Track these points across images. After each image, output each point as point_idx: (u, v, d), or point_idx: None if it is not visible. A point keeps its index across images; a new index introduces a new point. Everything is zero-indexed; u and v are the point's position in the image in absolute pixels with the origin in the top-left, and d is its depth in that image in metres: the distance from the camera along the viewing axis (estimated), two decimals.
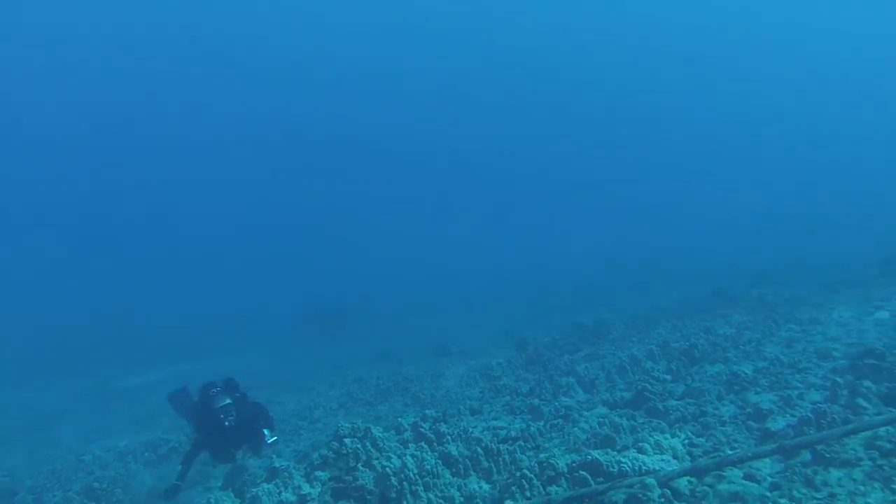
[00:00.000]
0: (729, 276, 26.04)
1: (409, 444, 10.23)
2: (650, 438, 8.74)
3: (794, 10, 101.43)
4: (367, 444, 9.94)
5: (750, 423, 9.73)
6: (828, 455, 7.48)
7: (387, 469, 8.99)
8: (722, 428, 9.66)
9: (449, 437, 10.13)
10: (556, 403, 12.80)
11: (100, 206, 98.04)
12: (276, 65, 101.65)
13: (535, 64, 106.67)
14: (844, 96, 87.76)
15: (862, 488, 6.71)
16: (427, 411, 13.26)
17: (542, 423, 11.61)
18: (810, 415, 8.95)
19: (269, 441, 11.41)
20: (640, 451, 8.34)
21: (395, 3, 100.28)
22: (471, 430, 10.85)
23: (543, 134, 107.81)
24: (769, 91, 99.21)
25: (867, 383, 9.81)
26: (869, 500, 6.33)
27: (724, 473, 7.63)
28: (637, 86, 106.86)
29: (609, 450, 9.00)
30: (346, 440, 10.03)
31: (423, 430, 10.50)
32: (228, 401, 11.05)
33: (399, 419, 12.45)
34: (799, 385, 11.07)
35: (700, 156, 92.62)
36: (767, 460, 7.86)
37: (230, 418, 10.93)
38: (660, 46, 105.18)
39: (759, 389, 11.14)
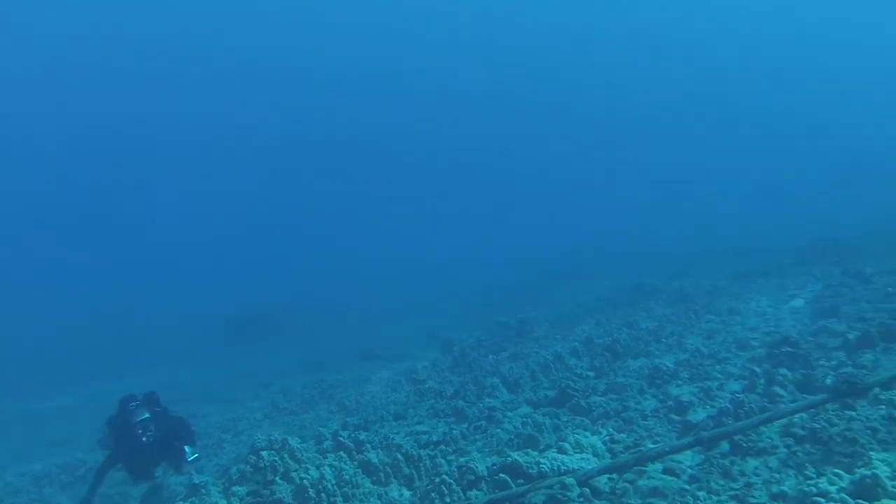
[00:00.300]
0: (651, 267, 26.32)
1: (328, 454, 9.97)
2: (571, 437, 8.66)
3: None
4: (285, 455, 9.66)
5: (671, 415, 9.74)
6: (745, 444, 7.50)
7: (304, 481, 8.74)
8: (644, 422, 9.65)
9: (369, 445, 9.92)
10: (481, 405, 12.66)
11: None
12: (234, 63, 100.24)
13: (472, 54, 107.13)
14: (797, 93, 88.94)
15: (777, 476, 6.72)
16: (348, 419, 13.02)
17: (465, 426, 11.47)
18: (729, 405, 8.98)
19: (189, 459, 11.03)
20: (561, 450, 8.25)
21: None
22: (392, 436, 10.66)
23: (470, 127, 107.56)
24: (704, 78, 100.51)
25: (783, 371, 9.93)
26: (783, 487, 6.33)
27: (644, 469, 7.58)
28: (565, 73, 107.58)
29: (531, 450, 8.90)
30: (264, 453, 9.73)
31: (342, 438, 10.26)
32: (147, 415, 10.66)
33: (320, 428, 12.17)
34: (719, 376, 11.16)
35: (625, 143, 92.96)
36: (689, 452, 7.85)
37: (148, 434, 10.53)
38: (601, 31, 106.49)
39: (679, 382, 11.19)
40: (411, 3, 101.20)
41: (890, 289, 13.51)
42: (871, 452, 5.93)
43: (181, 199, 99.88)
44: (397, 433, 11.53)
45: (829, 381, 8.98)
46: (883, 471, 4.94)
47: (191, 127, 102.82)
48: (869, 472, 4.88)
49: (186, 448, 11.09)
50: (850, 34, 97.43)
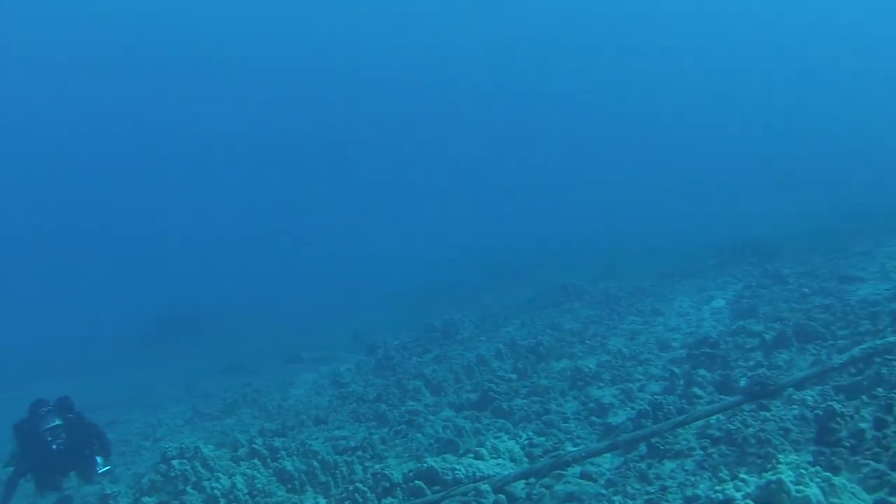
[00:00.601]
0: (581, 267, 26.47)
1: (242, 462, 9.66)
2: (489, 442, 8.53)
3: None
4: (197, 464, 9.32)
5: (592, 418, 9.70)
6: (662, 447, 7.46)
7: (216, 490, 8.43)
8: (565, 424, 9.59)
9: (284, 452, 9.63)
10: (403, 408, 12.50)
11: None
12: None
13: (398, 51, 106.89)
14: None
15: (692, 479, 6.69)
16: (266, 425, 12.71)
17: (386, 430, 11.28)
18: (648, 407, 8.96)
19: (100, 470, 10.59)
20: (477, 456, 8.10)
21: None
22: (311, 442, 10.40)
23: (397, 124, 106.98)
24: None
25: (702, 372, 9.99)
26: (697, 490, 6.29)
27: (563, 473, 7.49)
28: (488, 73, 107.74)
29: (450, 455, 8.76)
30: (175, 462, 9.39)
31: (256, 445, 9.96)
32: (58, 422, 10.20)
33: (237, 435, 11.85)
34: (640, 377, 11.22)
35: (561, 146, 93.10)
36: (608, 455, 7.79)
37: (59, 441, 10.08)
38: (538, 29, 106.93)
39: (601, 384, 11.20)
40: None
41: (805, 289, 13.77)
42: (780, 455, 5.93)
43: (104, 198, 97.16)
44: (316, 439, 11.29)
45: (742, 382, 9.04)
46: (787, 475, 4.92)
47: (130, 126, 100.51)
48: (774, 478, 4.86)
49: (98, 458, 10.67)
50: (822, 35, 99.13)
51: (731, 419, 7.59)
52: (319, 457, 9.20)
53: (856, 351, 8.31)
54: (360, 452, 9.80)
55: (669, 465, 7.19)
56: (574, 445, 8.60)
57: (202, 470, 9.27)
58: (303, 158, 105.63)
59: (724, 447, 7.10)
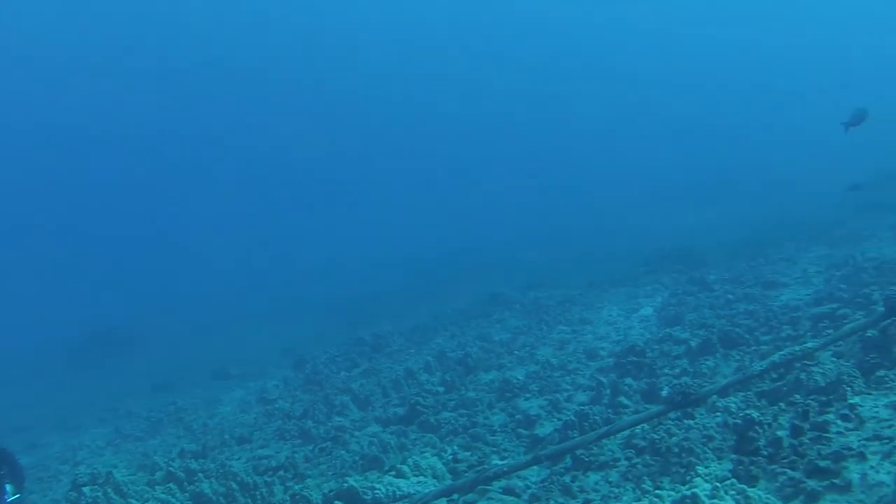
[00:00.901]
0: (513, 275, 26.37)
1: (157, 487, 9.29)
2: (411, 459, 8.35)
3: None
4: (109, 490, 8.93)
5: (520, 430, 9.60)
6: (587, 459, 7.38)
7: None
8: (492, 437, 9.46)
9: (202, 475, 9.29)
10: (329, 424, 12.20)
11: None
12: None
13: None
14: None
15: (616, 490, 6.62)
16: (186, 445, 12.30)
17: (311, 448, 11.00)
18: (574, 418, 8.88)
19: (9, 499, 10.09)
20: (399, 474, 7.91)
21: None
22: (231, 462, 10.07)
23: (320, 125, 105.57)
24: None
25: (629, 381, 9.97)
26: (620, 502, 6.21)
27: (488, 488, 7.36)
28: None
29: (374, 473, 8.56)
30: (85, 489, 8.98)
31: (173, 468, 9.59)
32: None
33: (154, 457, 11.43)
34: (568, 387, 11.15)
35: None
36: (535, 468, 7.68)
37: None
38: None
39: (528, 395, 11.10)
40: None
41: (730, 295, 13.91)
42: (699, 466, 5.89)
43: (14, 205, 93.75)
44: (238, 459, 10.96)
45: (664, 392, 9.02)
46: (703, 489, 4.85)
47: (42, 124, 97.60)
48: (689, 492, 4.78)
49: (7, 486, 10.18)
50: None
51: (656, 428, 7.54)
52: (239, 478, 8.89)
53: (776, 357, 8.35)
54: (281, 472, 9.52)
55: (594, 476, 7.12)
56: (501, 458, 8.48)
57: (114, 496, 8.88)
58: (218, 160, 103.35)
59: (648, 457, 7.05)
